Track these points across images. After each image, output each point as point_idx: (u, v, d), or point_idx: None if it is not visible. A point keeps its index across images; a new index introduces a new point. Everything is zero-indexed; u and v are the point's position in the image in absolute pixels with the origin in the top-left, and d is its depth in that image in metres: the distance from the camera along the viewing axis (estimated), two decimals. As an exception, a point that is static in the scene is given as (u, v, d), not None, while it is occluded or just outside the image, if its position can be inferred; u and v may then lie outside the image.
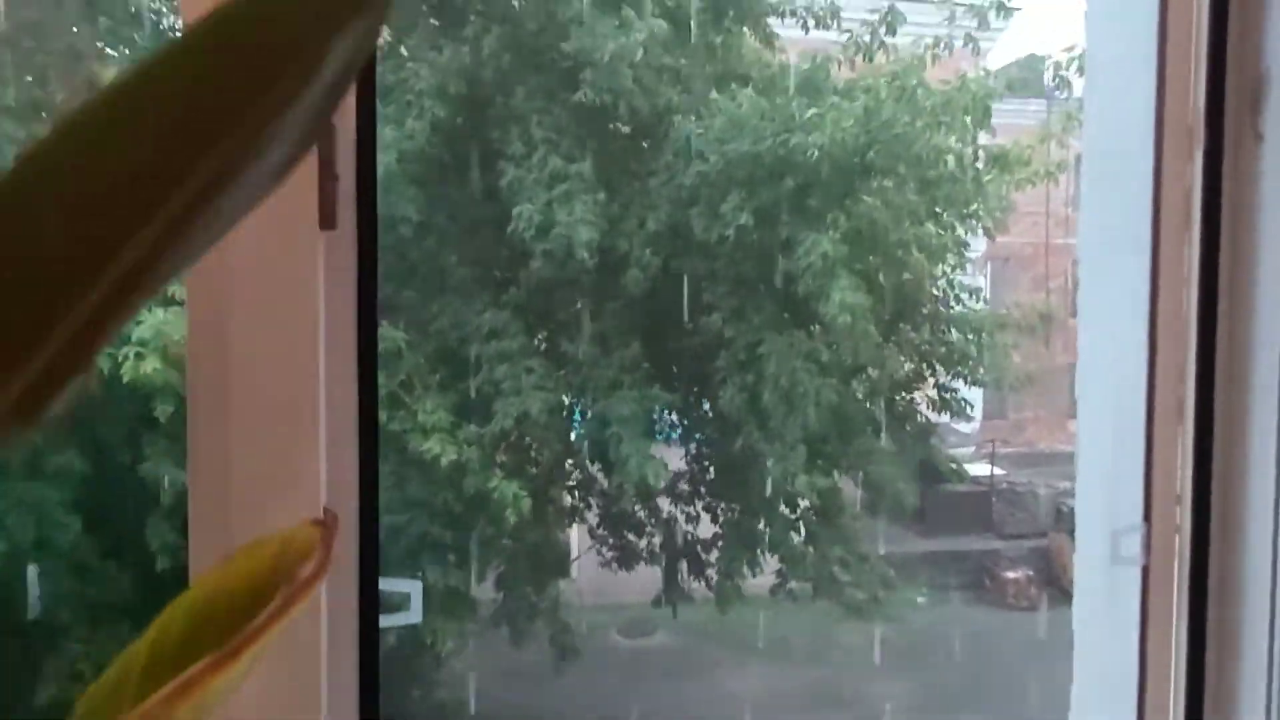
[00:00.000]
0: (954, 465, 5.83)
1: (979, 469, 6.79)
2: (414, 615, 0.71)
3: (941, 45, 3.73)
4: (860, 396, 3.79)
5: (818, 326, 3.48)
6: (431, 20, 3.57)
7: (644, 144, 3.63)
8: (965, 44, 3.87)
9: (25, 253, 0.19)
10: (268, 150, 0.21)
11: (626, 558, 3.97)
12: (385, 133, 3.17)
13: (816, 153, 3.27)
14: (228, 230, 0.22)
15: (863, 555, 4.50)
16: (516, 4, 3.55)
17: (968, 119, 3.46)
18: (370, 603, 0.63)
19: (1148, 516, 0.79)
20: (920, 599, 6.28)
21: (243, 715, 0.50)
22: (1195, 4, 0.74)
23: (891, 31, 3.64)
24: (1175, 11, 0.75)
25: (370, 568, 0.63)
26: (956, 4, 4.06)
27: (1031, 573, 6.24)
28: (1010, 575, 6.31)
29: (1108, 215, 0.82)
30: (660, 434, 3.73)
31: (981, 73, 3.93)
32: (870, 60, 3.63)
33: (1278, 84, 0.70)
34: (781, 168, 3.34)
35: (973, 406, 5.37)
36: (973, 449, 6.87)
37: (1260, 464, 0.79)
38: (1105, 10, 0.83)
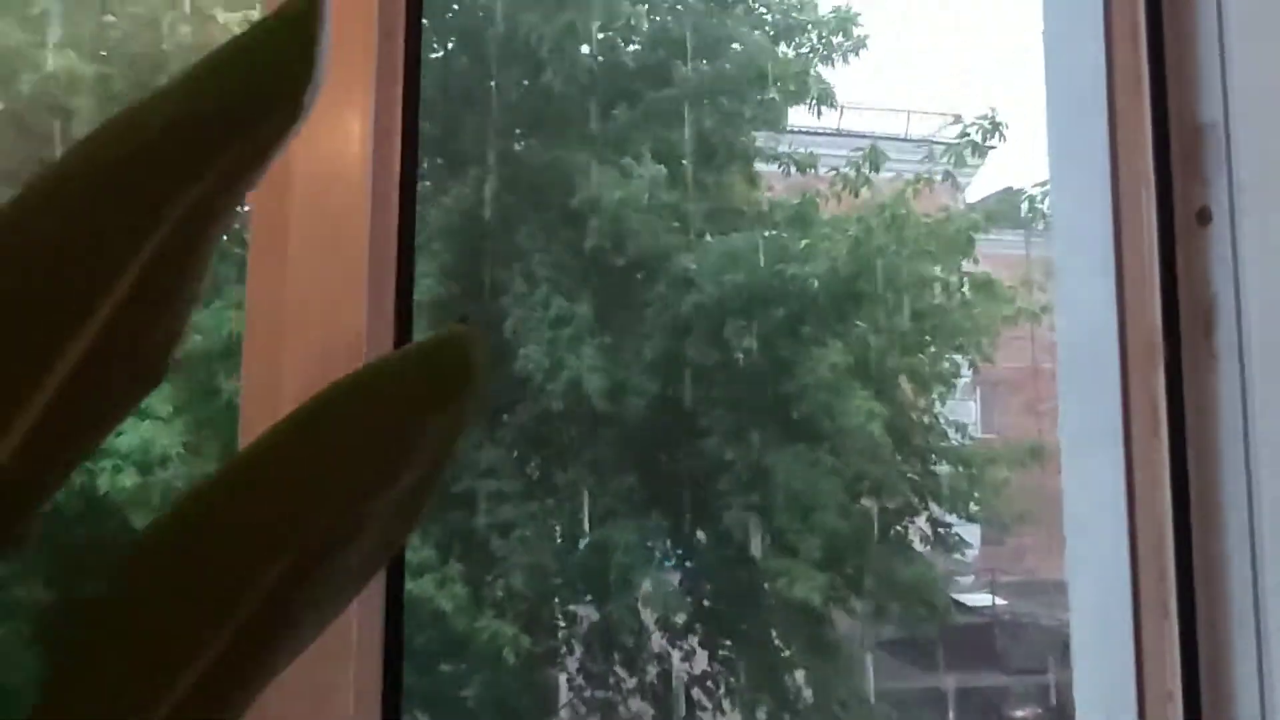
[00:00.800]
0: (953, 598, 5.72)
1: (979, 599, 6.66)
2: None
3: (922, 182, 3.95)
4: (870, 516, 3.80)
5: (826, 443, 3.52)
6: (438, 159, 3.78)
7: (638, 276, 3.78)
8: (944, 180, 4.10)
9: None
10: (361, 534, 0.25)
11: (612, 705, 3.83)
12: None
13: (815, 282, 3.41)
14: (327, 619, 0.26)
15: (863, 696, 4.37)
16: (518, 148, 3.77)
17: (953, 249, 3.64)
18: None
19: (1141, 714, 0.81)
20: (927, 738, 6.01)
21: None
22: (1145, 226, 0.82)
23: (875, 168, 3.87)
24: (1129, 231, 0.83)
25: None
26: (934, 143, 4.33)
27: (1040, 711, 6.01)
28: (1019, 715, 6.08)
29: (1084, 418, 0.88)
30: (660, 563, 3.69)
31: (962, 206, 4.15)
32: (856, 195, 3.85)
33: (1225, 311, 0.77)
34: (776, 296, 3.48)
35: (969, 545, 5.32)
36: (971, 578, 6.75)
37: (1244, 657, 0.81)
38: (1069, 223, 0.91)
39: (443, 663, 3.28)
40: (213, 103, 0.23)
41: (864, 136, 4.31)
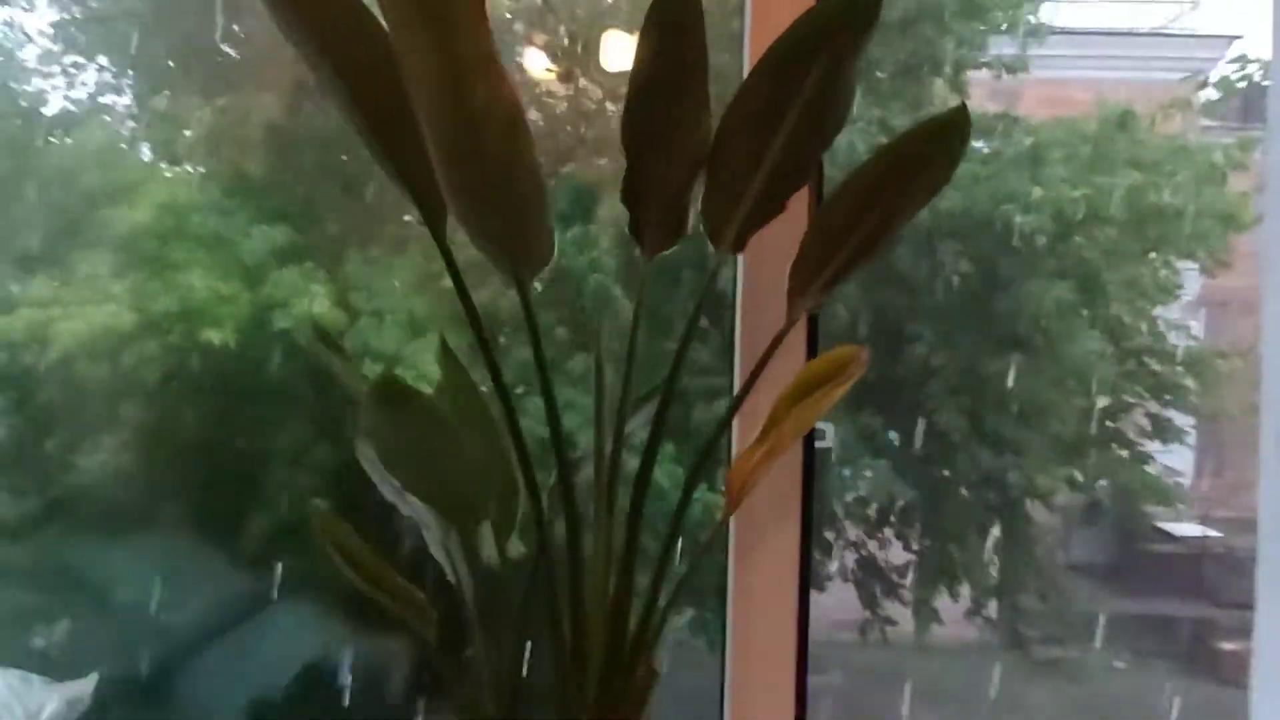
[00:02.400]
0: (1160, 526, 5.57)
1: (1189, 529, 6.38)
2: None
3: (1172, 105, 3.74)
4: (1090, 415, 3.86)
5: (1042, 353, 3.61)
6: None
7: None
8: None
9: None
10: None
11: (817, 579, 4.18)
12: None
13: (1047, 215, 3.44)
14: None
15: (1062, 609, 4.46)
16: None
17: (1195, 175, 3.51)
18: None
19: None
20: (1119, 663, 5.96)
21: None
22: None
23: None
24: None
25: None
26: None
27: (1251, 644, 5.76)
28: (1226, 647, 5.85)
29: None
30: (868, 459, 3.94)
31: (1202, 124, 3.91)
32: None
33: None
34: (995, 221, 3.53)
35: (1180, 474, 5.12)
36: (1182, 508, 6.46)
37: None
38: None
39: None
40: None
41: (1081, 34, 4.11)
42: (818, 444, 1.08)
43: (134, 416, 2.83)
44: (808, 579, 1.04)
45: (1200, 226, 3.66)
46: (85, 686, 1.50)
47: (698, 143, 0.74)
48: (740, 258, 1.06)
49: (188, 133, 3.21)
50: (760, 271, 1.03)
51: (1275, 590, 1.09)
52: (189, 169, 3.28)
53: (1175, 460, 5.31)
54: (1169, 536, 5.86)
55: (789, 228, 0.91)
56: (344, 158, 3.13)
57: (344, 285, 3.00)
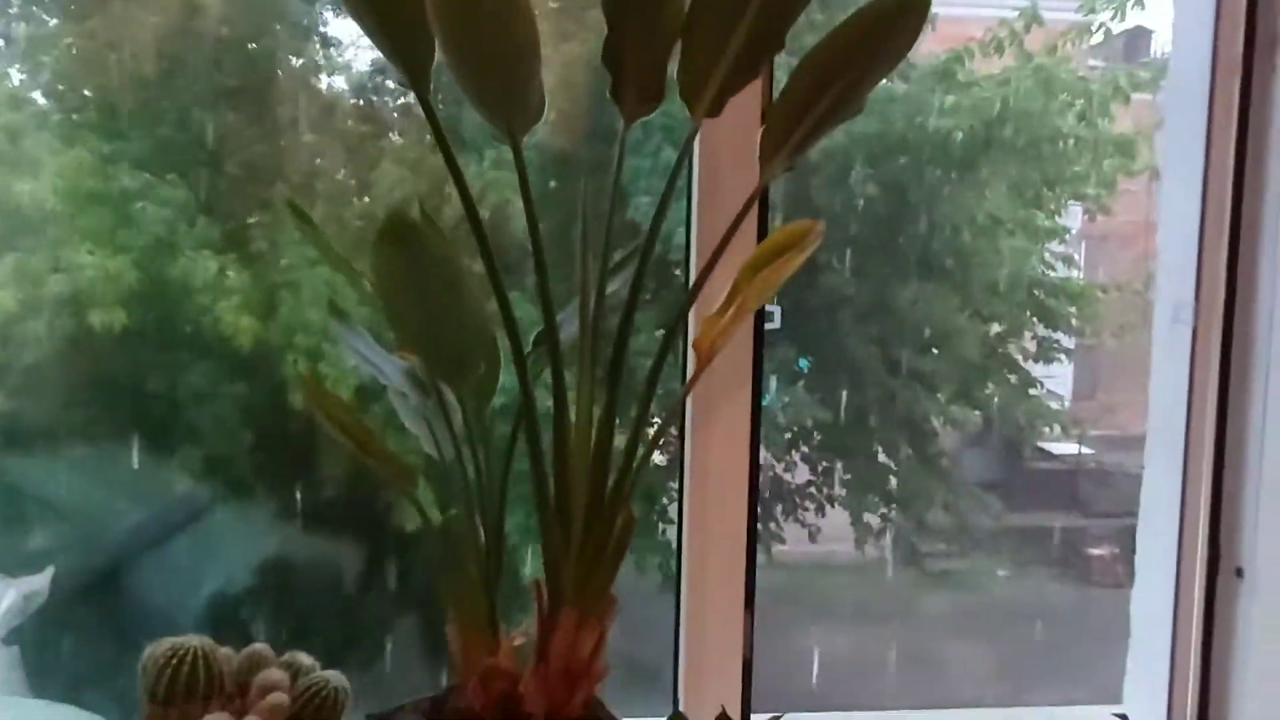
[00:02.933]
0: (1040, 445, 6.01)
1: (1067, 448, 6.93)
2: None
3: (1075, 33, 3.90)
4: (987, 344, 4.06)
5: (947, 280, 3.78)
6: None
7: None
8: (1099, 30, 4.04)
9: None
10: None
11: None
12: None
13: (960, 134, 3.56)
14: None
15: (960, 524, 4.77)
16: None
17: (1098, 107, 3.69)
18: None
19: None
20: (1001, 572, 6.48)
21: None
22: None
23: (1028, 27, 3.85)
24: None
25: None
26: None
27: (1117, 550, 6.35)
28: (1095, 552, 6.44)
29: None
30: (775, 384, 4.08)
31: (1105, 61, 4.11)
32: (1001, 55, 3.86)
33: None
34: (908, 146, 3.64)
35: (1060, 396, 5.51)
36: (1059, 429, 7.00)
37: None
38: None
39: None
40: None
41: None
42: (767, 326, 1.13)
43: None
44: (757, 451, 1.10)
45: (1094, 159, 3.88)
46: (42, 580, 1.44)
47: (675, 8, 0.76)
48: (697, 142, 1.09)
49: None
50: (718, 142, 1.06)
51: (1162, 462, 1.23)
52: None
53: (1057, 386, 5.71)
54: (1049, 455, 6.36)
55: (742, 110, 0.95)
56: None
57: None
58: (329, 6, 3.22)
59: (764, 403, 4.36)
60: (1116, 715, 1.36)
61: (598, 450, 0.79)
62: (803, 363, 4.18)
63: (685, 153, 0.80)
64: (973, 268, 3.77)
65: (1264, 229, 1.10)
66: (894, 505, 4.60)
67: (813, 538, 4.55)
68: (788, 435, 4.27)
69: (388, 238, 0.63)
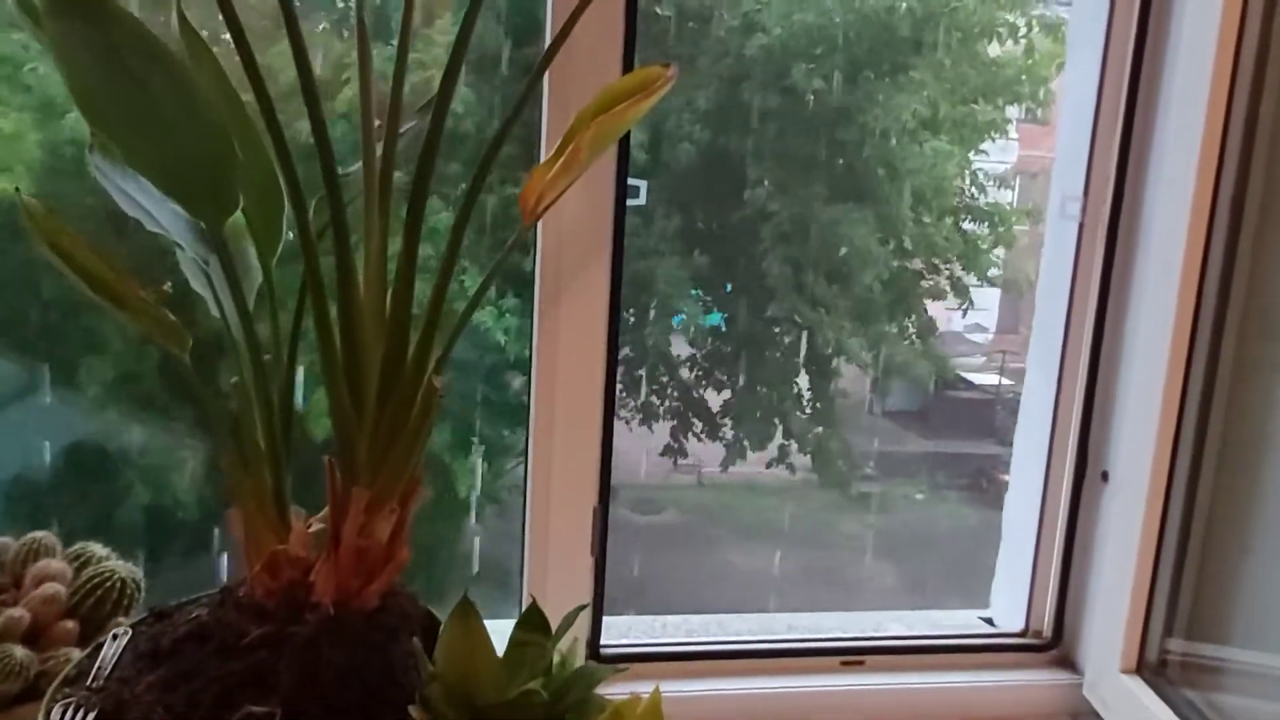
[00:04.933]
0: (963, 376, 6.11)
1: (988, 379, 7.10)
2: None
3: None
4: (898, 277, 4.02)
5: (869, 199, 3.68)
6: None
7: (690, 25, 3.79)
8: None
9: None
10: None
11: (647, 417, 4.32)
12: None
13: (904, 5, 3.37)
14: None
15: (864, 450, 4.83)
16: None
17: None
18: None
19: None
20: (918, 495, 6.70)
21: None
22: None
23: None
24: None
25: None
26: None
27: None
28: (1005, 478, 6.69)
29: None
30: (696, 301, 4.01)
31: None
32: None
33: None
34: (842, 36, 3.48)
35: (985, 330, 5.56)
36: (983, 359, 7.17)
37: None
38: None
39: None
40: None
41: None
42: (630, 202, 1.03)
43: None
44: (615, 340, 1.02)
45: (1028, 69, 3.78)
46: None
47: None
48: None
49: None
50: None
51: (1040, 364, 1.18)
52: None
53: (981, 318, 5.78)
54: (969, 384, 6.51)
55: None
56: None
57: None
58: None
59: (713, 321, 4.26)
60: (982, 618, 1.35)
61: (395, 309, 0.69)
62: (715, 317, 4.12)
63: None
64: (903, 177, 3.66)
65: (1159, 120, 1.04)
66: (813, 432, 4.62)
67: (731, 459, 4.57)
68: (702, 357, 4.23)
69: (56, 7, 0.50)
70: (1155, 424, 1.06)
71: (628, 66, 0.97)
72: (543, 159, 0.76)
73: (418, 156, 0.68)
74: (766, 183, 3.77)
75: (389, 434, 0.71)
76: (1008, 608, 1.28)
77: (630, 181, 1.04)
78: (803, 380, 4.38)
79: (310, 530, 0.76)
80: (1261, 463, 1.06)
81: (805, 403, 4.46)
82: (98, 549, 0.90)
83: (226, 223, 0.66)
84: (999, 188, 5.10)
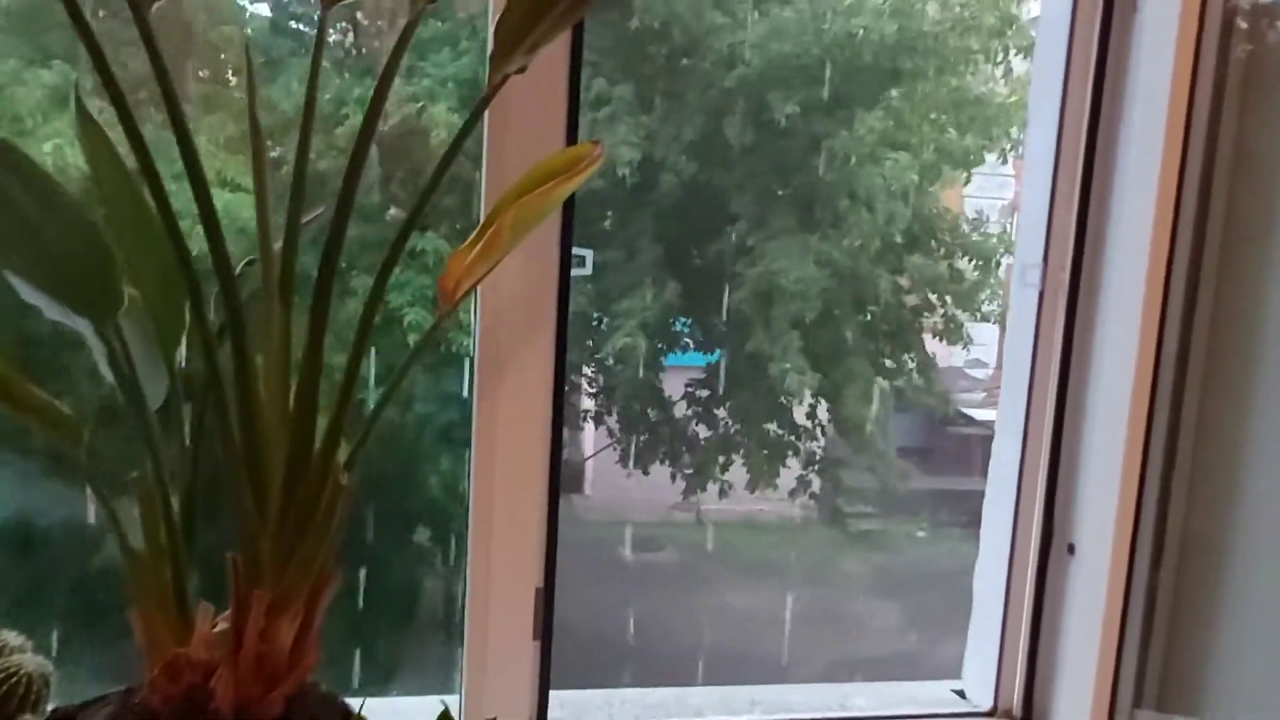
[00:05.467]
0: (962, 409, 6.05)
1: (989, 414, 7.05)
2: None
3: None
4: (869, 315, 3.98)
5: (843, 228, 3.63)
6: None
7: (684, 62, 3.81)
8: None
9: None
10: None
11: (643, 457, 4.28)
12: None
13: (860, 32, 3.36)
14: None
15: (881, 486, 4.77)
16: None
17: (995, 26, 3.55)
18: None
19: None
20: (920, 533, 6.60)
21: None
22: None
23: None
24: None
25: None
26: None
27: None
28: (1009, 515, 6.59)
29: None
30: (679, 347, 3.98)
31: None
32: None
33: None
34: (818, 64, 3.47)
35: (984, 365, 5.51)
36: (983, 394, 7.12)
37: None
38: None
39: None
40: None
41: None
42: (575, 271, 1.01)
43: None
44: (560, 420, 0.99)
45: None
46: None
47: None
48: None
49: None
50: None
51: (1007, 433, 1.15)
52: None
53: (981, 353, 5.73)
54: (970, 420, 6.44)
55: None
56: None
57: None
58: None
59: (712, 360, 4.20)
60: (955, 691, 1.31)
61: (299, 404, 0.67)
62: (699, 358, 4.08)
63: (405, 36, 0.66)
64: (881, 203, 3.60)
65: (1115, 189, 1.02)
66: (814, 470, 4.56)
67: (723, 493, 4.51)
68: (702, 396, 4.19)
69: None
70: (1117, 496, 1.03)
71: (571, 138, 0.95)
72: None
73: (323, 246, 0.66)
74: (744, 217, 3.76)
75: (294, 533, 0.68)
76: (979, 679, 1.23)
77: (576, 251, 1.02)
78: (800, 415, 4.34)
79: (216, 630, 0.73)
80: (1226, 532, 1.02)
81: (804, 438, 4.41)
82: (11, 637, 0.87)
83: (116, 317, 0.64)
84: (996, 222, 5.06)
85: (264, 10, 3.18)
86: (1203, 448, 1.03)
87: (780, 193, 3.68)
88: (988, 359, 6.43)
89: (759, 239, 3.65)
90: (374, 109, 0.65)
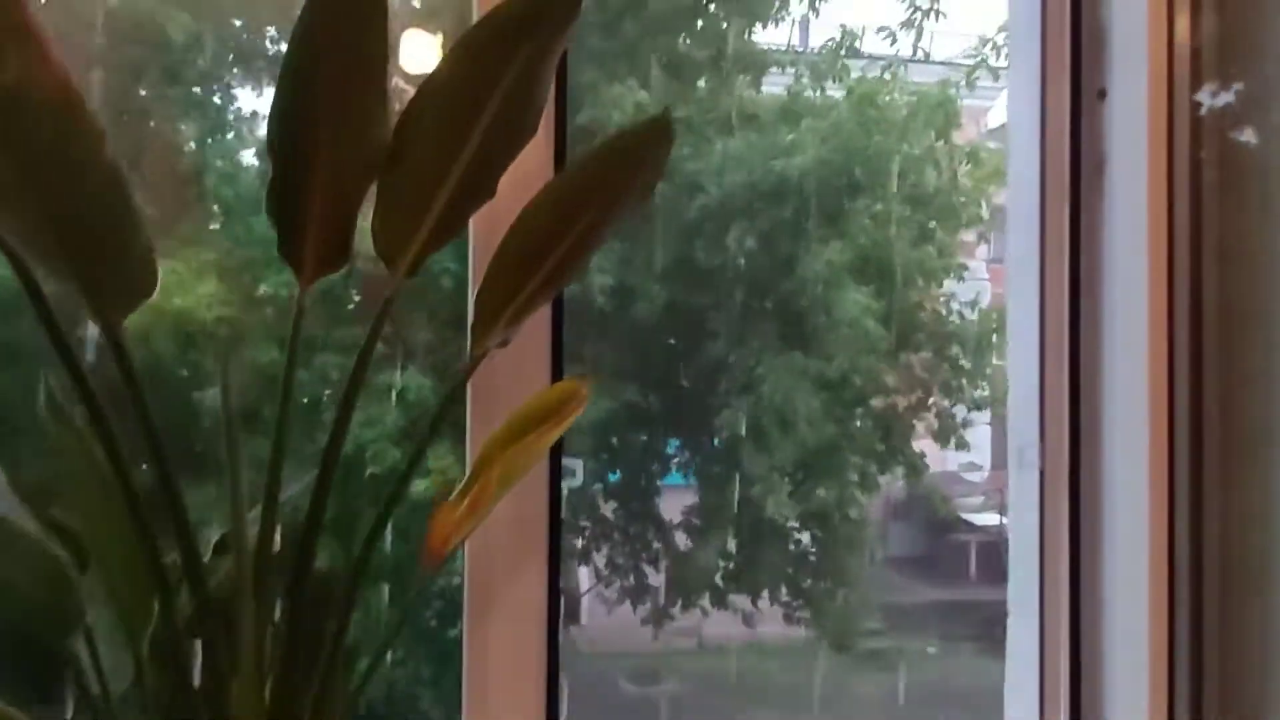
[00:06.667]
0: (961, 515, 5.93)
1: (989, 519, 6.92)
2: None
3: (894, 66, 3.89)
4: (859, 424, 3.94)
5: (819, 346, 3.66)
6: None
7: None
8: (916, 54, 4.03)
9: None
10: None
11: (638, 592, 4.13)
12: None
13: (800, 173, 3.48)
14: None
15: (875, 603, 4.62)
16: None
17: (935, 127, 3.67)
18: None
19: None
20: (931, 649, 6.36)
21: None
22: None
23: (852, 55, 3.86)
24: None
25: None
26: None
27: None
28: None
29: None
30: (672, 471, 3.91)
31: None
32: (836, 81, 3.86)
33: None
34: (775, 193, 3.57)
35: (979, 467, 5.46)
36: (981, 498, 7.01)
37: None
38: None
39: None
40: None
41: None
42: (568, 485, 0.97)
43: None
44: (555, 654, 0.93)
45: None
46: None
47: (372, 144, 0.62)
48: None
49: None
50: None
51: (1023, 616, 1.11)
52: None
53: (974, 456, 5.69)
54: (971, 526, 6.33)
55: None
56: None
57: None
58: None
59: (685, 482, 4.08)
60: None
61: (275, 700, 0.62)
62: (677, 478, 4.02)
63: (382, 317, 0.65)
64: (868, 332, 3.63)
65: (1103, 366, 1.01)
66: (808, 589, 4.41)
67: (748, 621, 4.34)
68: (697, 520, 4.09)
69: None
70: (1146, 678, 0.97)
71: (556, 370, 0.94)
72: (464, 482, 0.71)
73: (299, 532, 0.62)
74: (722, 336, 3.78)
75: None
76: None
77: (565, 461, 0.99)
78: (797, 533, 4.23)
79: None
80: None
81: (801, 556, 4.29)
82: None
83: (80, 629, 0.59)
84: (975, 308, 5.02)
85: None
86: (1228, 625, 0.98)
87: (759, 309, 3.72)
88: (981, 460, 6.38)
89: (737, 357, 3.66)
90: (353, 386, 0.63)
